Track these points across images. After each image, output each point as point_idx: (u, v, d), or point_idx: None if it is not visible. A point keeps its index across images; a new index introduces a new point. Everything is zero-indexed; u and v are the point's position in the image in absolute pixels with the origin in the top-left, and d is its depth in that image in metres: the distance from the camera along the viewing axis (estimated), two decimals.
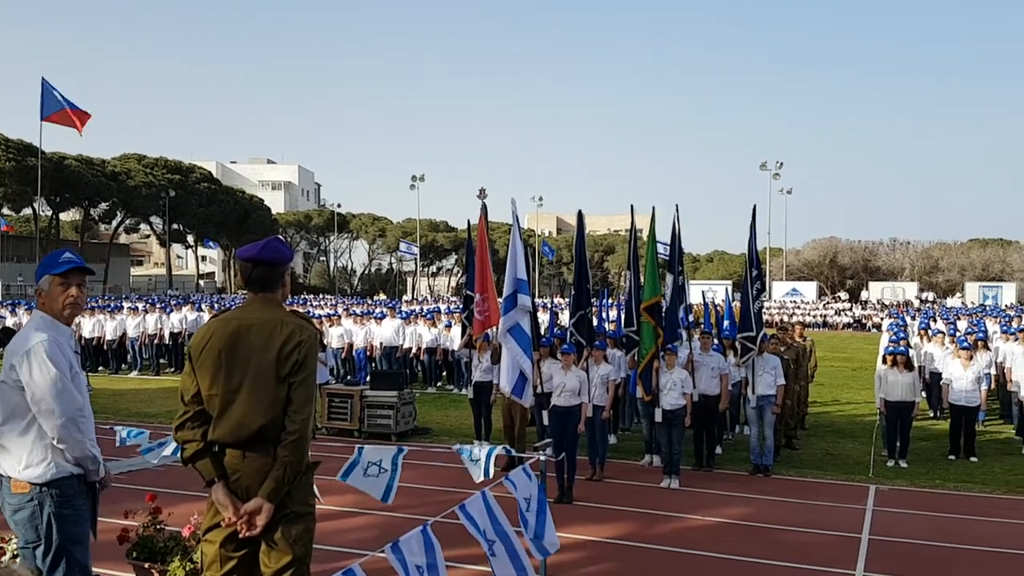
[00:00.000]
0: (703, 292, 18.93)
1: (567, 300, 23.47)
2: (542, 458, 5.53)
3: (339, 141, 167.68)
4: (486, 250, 10.83)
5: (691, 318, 14.66)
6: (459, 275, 78.42)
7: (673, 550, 7.43)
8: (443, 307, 29.26)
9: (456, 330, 17.82)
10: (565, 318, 19.14)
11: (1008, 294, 60.77)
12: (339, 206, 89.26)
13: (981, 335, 14.98)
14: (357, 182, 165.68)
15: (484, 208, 10.78)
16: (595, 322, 12.88)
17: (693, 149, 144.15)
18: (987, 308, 40.17)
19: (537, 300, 37.51)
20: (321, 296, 60.60)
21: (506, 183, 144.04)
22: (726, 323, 15.45)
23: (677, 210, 11.25)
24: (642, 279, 10.86)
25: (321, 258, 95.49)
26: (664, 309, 10.74)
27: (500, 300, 9.83)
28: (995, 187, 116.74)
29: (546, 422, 9.50)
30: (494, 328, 11.29)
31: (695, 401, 10.42)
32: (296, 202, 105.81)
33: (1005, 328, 18.43)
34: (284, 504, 3.50)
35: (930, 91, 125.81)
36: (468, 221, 14.35)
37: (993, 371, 14.26)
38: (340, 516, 8.07)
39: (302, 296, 57.88)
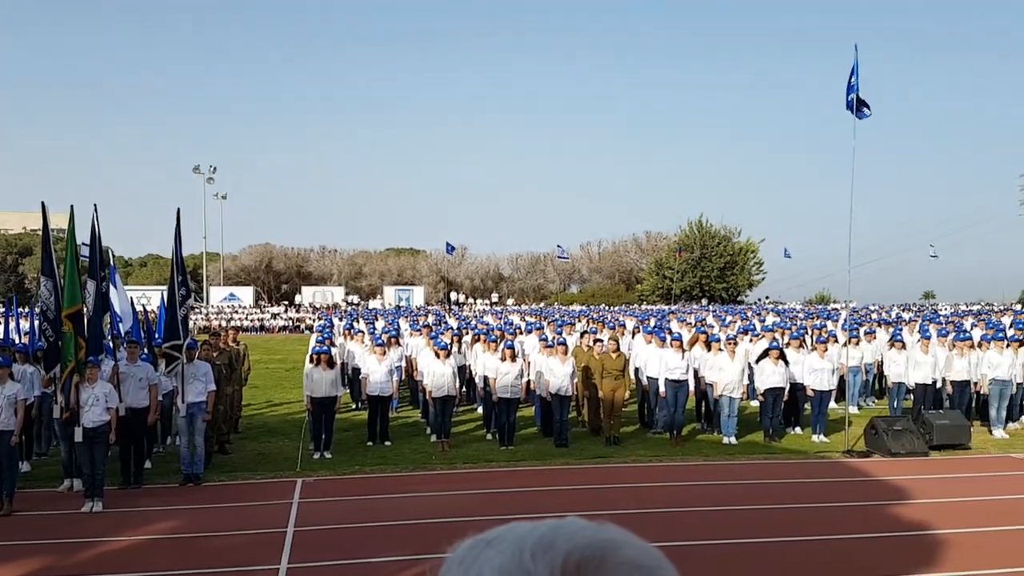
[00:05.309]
0: (133, 299, 17.79)
1: None
2: None
3: None
4: None
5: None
6: None
7: None
8: None
9: None
10: None
11: (418, 296, 70.28)
12: None
13: (394, 333, 17.07)
14: None
15: None
16: (2, 333, 11.20)
17: (119, 144, 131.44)
18: (401, 309, 45.83)
19: None
20: None
21: None
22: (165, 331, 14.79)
23: (96, 210, 10.45)
24: (63, 285, 9.81)
25: None
26: (87, 318, 9.87)
27: None
28: (406, 202, 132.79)
29: None
30: None
31: (122, 416, 9.80)
32: None
33: (414, 326, 21.27)
34: None
35: (354, 111, 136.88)
36: None
37: (404, 364, 16.35)
38: None
39: None
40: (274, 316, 60.57)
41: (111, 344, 11.10)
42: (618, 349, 13.50)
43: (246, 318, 58.33)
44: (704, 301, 65.42)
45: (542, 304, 67.38)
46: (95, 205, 10.39)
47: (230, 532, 8.32)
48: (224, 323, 47.24)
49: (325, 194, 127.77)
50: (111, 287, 11.61)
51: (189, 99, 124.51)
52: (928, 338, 14.96)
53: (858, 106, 12.09)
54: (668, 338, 13.63)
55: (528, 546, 0.68)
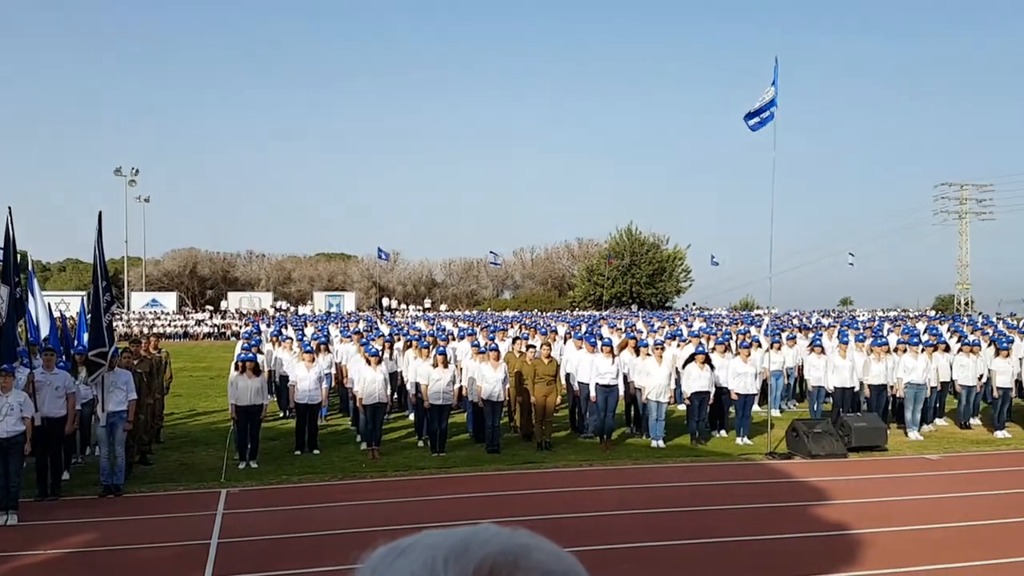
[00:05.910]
0: (51, 305, 17.14)
1: None
2: None
3: None
4: None
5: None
6: None
7: None
8: None
9: None
10: None
11: (349, 302, 69.33)
12: None
13: (323, 339, 16.82)
14: None
15: None
16: None
17: (42, 142, 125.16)
18: (331, 315, 45.20)
19: None
20: None
21: None
22: (85, 337, 14.29)
23: (10, 212, 10.06)
24: None
25: None
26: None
27: None
28: (337, 207, 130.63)
29: None
30: None
31: (37, 425, 9.43)
32: None
33: (344, 332, 21.01)
34: None
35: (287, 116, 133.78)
36: None
37: (334, 371, 16.12)
38: None
39: None
40: (198, 323, 59.03)
41: (27, 351, 10.68)
42: (550, 355, 13.61)
43: (169, 325, 56.75)
44: (634, 307, 66.40)
45: (475, 310, 67.31)
46: (9, 208, 10.03)
47: (151, 545, 8.07)
48: (146, 330, 45.93)
49: (253, 198, 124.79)
50: (28, 292, 11.17)
51: (109, 98, 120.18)
52: (846, 343, 15.49)
53: (754, 115, 12.36)
54: (599, 344, 13.79)
55: (440, 554, 0.67)
